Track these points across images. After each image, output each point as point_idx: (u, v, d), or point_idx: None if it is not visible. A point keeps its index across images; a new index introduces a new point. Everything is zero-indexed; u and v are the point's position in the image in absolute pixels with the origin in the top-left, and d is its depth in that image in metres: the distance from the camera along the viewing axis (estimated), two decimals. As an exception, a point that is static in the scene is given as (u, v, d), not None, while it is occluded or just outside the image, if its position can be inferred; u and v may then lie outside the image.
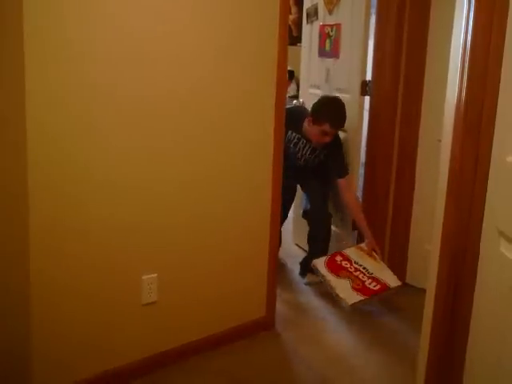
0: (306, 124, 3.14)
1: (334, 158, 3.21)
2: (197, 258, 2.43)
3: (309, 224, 3.38)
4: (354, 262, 2.96)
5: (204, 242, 2.44)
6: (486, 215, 1.72)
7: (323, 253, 3.20)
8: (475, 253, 1.77)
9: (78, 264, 2.08)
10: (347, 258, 2.99)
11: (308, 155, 3.26)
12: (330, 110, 3.04)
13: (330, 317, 2.97)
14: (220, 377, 2.39)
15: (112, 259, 2.16)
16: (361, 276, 2.88)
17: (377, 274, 2.91)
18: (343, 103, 3.04)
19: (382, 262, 3.05)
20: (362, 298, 2.81)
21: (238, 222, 2.55)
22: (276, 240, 2.75)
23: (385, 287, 2.83)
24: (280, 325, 2.83)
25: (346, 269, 2.90)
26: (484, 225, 1.73)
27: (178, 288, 2.39)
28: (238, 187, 2.51)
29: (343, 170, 3.18)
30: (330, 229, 3.35)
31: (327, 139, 3.05)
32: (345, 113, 3.04)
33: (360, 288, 2.81)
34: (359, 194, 3.36)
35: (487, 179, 1.71)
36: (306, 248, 3.84)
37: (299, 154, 3.26)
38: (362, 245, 3.13)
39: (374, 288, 2.82)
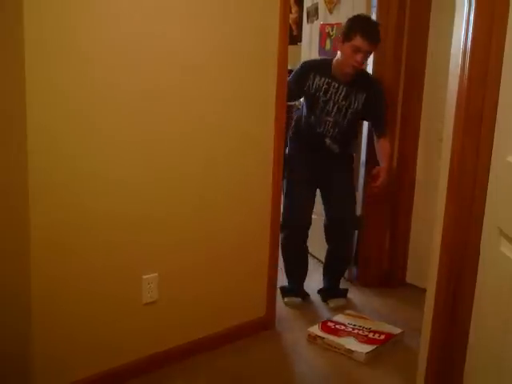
0: (337, 56, 2.85)
1: (374, 104, 2.88)
2: (197, 258, 2.43)
3: (329, 239, 3.10)
4: (348, 324, 2.77)
5: (204, 242, 2.44)
6: (487, 214, 1.72)
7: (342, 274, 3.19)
8: (475, 252, 1.76)
9: (79, 264, 2.07)
10: (339, 323, 2.79)
11: (341, 102, 2.84)
12: (360, 21, 2.76)
13: (330, 316, 2.97)
14: (220, 376, 2.39)
15: (112, 259, 2.16)
16: (361, 332, 2.70)
17: (376, 328, 2.74)
18: (376, 21, 2.85)
19: (375, 320, 2.85)
20: (375, 346, 2.59)
21: (239, 222, 2.55)
22: (276, 240, 2.74)
23: (390, 335, 2.69)
24: (280, 324, 2.83)
25: (343, 330, 2.71)
26: (484, 224, 1.73)
27: (178, 287, 2.39)
28: (239, 187, 2.51)
29: (384, 124, 2.94)
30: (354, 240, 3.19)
31: (360, 58, 2.69)
32: (377, 27, 2.75)
33: (366, 340, 2.63)
34: (359, 193, 3.35)
35: (488, 178, 1.71)
36: (308, 248, 3.84)
37: (330, 104, 2.87)
38: (348, 311, 2.94)
39: (380, 338, 2.66)
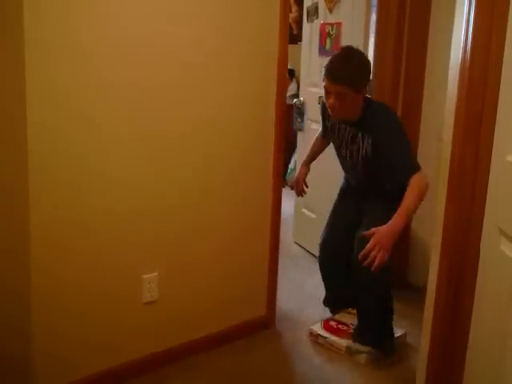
0: None
1: (385, 151, 2.28)
2: (197, 257, 2.43)
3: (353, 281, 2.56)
4: (351, 324, 2.69)
5: (204, 242, 2.44)
6: (487, 214, 1.72)
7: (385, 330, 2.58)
8: (476, 251, 1.77)
9: (79, 264, 2.07)
10: (342, 322, 2.73)
11: (350, 145, 2.45)
12: (330, 60, 2.29)
13: (330, 316, 2.97)
14: (220, 375, 2.39)
15: (112, 258, 2.16)
16: None
17: None
18: (356, 54, 2.29)
19: None
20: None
21: (239, 222, 2.55)
22: (277, 240, 2.74)
23: None
24: (280, 324, 2.83)
25: (345, 330, 2.65)
26: (484, 223, 1.73)
27: (178, 287, 2.39)
28: (239, 186, 2.51)
29: (408, 164, 2.23)
30: (385, 293, 2.53)
31: (331, 100, 2.26)
32: (344, 64, 2.23)
33: None
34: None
35: (488, 178, 1.71)
36: (308, 247, 3.85)
37: (343, 147, 2.50)
38: (352, 310, 2.78)
39: None
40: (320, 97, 3.51)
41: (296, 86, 5.41)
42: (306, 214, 3.77)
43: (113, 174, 2.10)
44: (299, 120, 3.79)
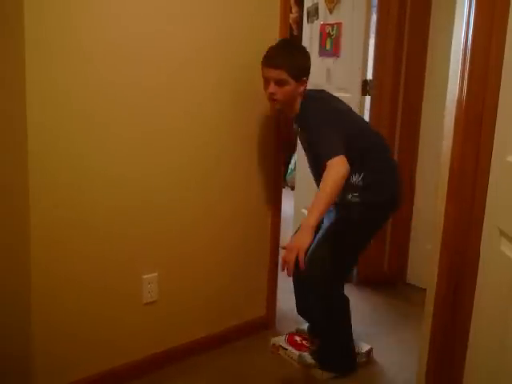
0: None
1: (305, 130, 2.27)
2: (197, 257, 2.43)
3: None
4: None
5: (204, 242, 2.44)
6: (487, 214, 1.71)
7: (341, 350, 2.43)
8: (475, 252, 1.76)
9: (79, 264, 2.07)
10: (307, 338, 2.59)
11: (303, 143, 2.42)
12: (268, 49, 2.26)
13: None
14: (220, 376, 2.39)
15: (112, 258, 2.16)
16: None
17: None
18: (295, 44, 2.38)
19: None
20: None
21: (239, 222, 2.55)
22: (277, 240, 2.74)
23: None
24: (280, 324, 2.83)
25: (308, 347, 2.51)
26: (484, 224, 1.73)
27: (178, 287, 2.39)
28: (239, 186, 2.51)
29: (324, 151, 2.11)
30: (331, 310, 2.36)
31: (270, 89, 2.19)
32: (281, 49, 2.24)
33: None
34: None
35: (488, 178, 1.71)
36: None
37: (304, 149, 2.45)
38: None
39: None
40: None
41: (296, 86, 5.40)
42: (305, 214, 3.76)
43: (113, 174, 2.10)
44: (299, 120, 3.78)
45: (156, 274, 2.30)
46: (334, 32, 3.32)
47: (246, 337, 2.66)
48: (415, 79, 3.12)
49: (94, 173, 2.05)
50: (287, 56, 2.21)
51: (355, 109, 3.19)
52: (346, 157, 2.10)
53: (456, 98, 1.81)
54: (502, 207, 1.58)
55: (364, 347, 2.55)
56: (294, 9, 5.26)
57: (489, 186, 1.70)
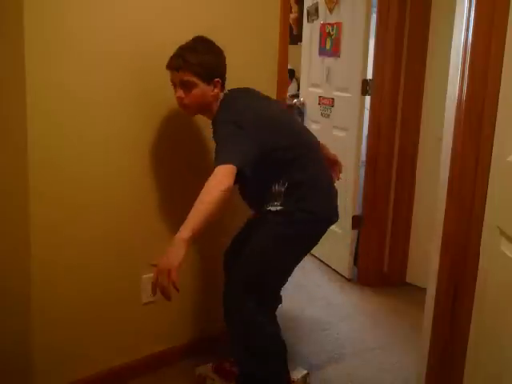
0: None
1: (214, 133, 1.97)
2: (197, 257, 2.43)
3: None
4: None
5: (204, 241, 2.44)
6: (487, 214, 1.72)
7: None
8: (476, 252, 1.77)
9: (79, 264, 2.07)
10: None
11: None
12: (177, 48, 1.99)
13: (331, 316, 2.97)
14: (220, 376, 2.39)
15: (112, 258, 2.16)
16: None
17: None
18: (205, 41, 2.00)
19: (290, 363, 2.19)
20: None
21: (239, 222, 2.55)
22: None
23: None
24: (280, 324, 2.82)
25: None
26: (484, 224, 1.73)
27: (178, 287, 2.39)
28: (236, 186, 2.51)
29: (218, 155, 1.83)
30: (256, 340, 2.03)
31: (177, 94, 1.96)
32: (183, 49, 1.96)
33: None
34: (359, 193, 3.35)
35: (488, 178, 1.71)
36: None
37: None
38: None
39: None
40: (320, 97, 3.53)
41: (296, 86, 5.41)
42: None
43: (114, 174, 2.10)
44: (299, 120, 3.79)
45: (156, 274, 2.30)
46: (334, 32, 3.32)
47: (246, 337, 2.65)
48: (415, 79, 3.12)
49: (94, 172, 2.05)
50: (190, 54, 1.93)
51: (355, 109, 3.21)
52: (267, 166, 1.90)
53: (456, 98, 1.81)
54: (502, 207, 1.58)
55: (298, 373, 2.27)
56: (294, 9, 5.26)
57: (489, 186, 1.70)
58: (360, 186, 3.35)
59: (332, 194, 2.09)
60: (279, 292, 2.25)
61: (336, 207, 2.10)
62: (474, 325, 1.79)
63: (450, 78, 1.88)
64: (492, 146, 1.68)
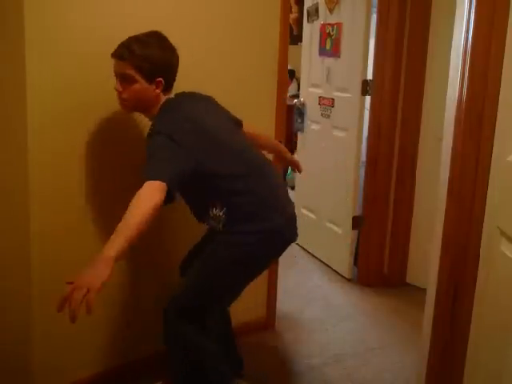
0: None
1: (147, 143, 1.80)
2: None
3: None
4: None
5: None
6: (487, 214, 1.72)
7: None
8: (476, 252, 1.77)
9: (78, 264, 2.07)
10: None
11: None
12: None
13: (331, 316, 2.97)
14: (220, 376, 2.39)
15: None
16: None
17: None
18: (159, 37, 1.84)
19: None
20: None
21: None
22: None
23: None
24: (280, 324, 2.83)
25: None
26: (485, 224, 1.73)
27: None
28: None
29: (150, 165, 1.70)
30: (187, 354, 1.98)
31: (116, 85, 1.82)
32: (142, 41, 1.79)
33: None
34: (359, 193, 3.35)
35: (488, 178, 1.71)
36: (308, 248, 3.86)
37: None
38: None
39: None
40: (320, 97, 3.53)
41: (296, 86, 5.41)
42: (305, 214, 3.77)
43: (114, 175, 2.10)
44: (299, 120, 3.79)
45: (156, 274, 2.30)
46: (334, 32, 3.32)
47: (246, 337, 2.65)
48: (415, 79, 3.11)
49: (94, 173, 2.05)
50: (137, 46, 1.77)
51: (355, 109, 3.21)
52: (202, 186, 1.82)
53: (456, 98, 1.81)
54: (502, 207, 1.58)
55: None
56: (294, 9, 5.26)
57: (489, 186, 1.70)
58: (360, 186, 3.35)
59: (285, 212, 1.94)
60: (226, 308, 2.16)
61: (293, 224, 1.98)
62: (473, 325, 1.79)
63: (450, 78, 1.88)
64: (492, 145, 1.68)
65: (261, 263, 2.00)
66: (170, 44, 1.85)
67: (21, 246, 1.96)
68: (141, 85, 1.79)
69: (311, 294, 3.22)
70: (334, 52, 3.34)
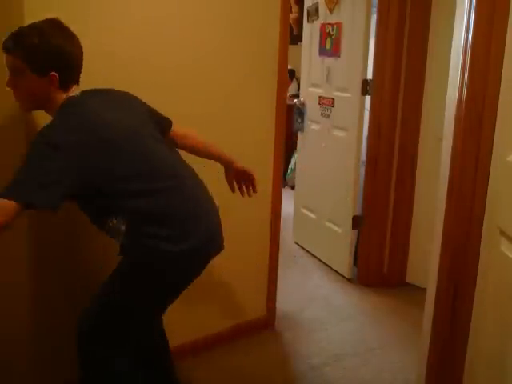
0: None
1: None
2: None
3: None
4: None
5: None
6: (487, 214, 1.72)
7: None
8: (476, 252, 1.77)
9: (78, 263, 2.07)
10: None
11: None
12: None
13: (331, 316, 2.97)
14: (220, 376, 2.39)
15: (111, 258, 2.16)
16: None
17: None
18: (59, 29, 1.62)
19: None
20: None
21: (239, 221, 2.55)
22: (277, 240, 2.74)
23: None
24: (280, 324, 2.83)
25: None
26: (485, 224, 1.73)
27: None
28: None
29: (15, 179, 1.48)
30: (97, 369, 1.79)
31: (7, 82, 1.61)
32: (35, 31, 1.57)
33: None
34: (359, 193, 3.35)
35: (488, 178, 1.71)
36: (308, 247, 3.86)
37: None
38: None
39: None
40: (320, 97, 3.53)
41: (296, 86, 5.41)
42: (305, 214, 3.78)
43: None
44: (299, 120, 3.79)
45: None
46: (334, 32, 3.33)
47: (246, 337, 2.66)
48: (415, 79, 3.11)
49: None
50: (27, 35, 1.55)
51: (355, 108, 3.21)
52: (95, 198, 1.62)
53: (456, 98, 1.81)
54: (503, 207, 1.58)
55: None
56: (294, 9, 5.26)
57: (489, 185, 1.70)
58: (360, 186, 3.35)
59: (201, 225, 1.73)
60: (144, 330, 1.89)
61: (212, 237, 1.82)
62: (473, 325, 1.79)
63: (450, 78, 1.88)
64: (492, 145, 1.68)
65: (177, 281, 1.76)
66: (70, 33, 1.61)
67: (19, 246, 1.96)
68: (31, 79, 1.56)
69: (311, 293, 3.22)
70: (334, 52, 3.34)
